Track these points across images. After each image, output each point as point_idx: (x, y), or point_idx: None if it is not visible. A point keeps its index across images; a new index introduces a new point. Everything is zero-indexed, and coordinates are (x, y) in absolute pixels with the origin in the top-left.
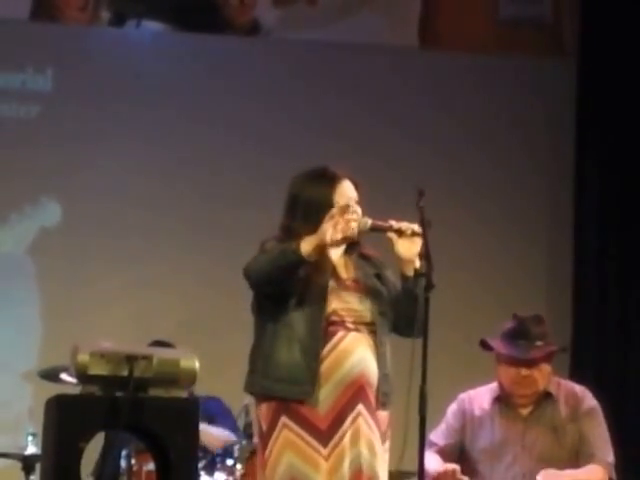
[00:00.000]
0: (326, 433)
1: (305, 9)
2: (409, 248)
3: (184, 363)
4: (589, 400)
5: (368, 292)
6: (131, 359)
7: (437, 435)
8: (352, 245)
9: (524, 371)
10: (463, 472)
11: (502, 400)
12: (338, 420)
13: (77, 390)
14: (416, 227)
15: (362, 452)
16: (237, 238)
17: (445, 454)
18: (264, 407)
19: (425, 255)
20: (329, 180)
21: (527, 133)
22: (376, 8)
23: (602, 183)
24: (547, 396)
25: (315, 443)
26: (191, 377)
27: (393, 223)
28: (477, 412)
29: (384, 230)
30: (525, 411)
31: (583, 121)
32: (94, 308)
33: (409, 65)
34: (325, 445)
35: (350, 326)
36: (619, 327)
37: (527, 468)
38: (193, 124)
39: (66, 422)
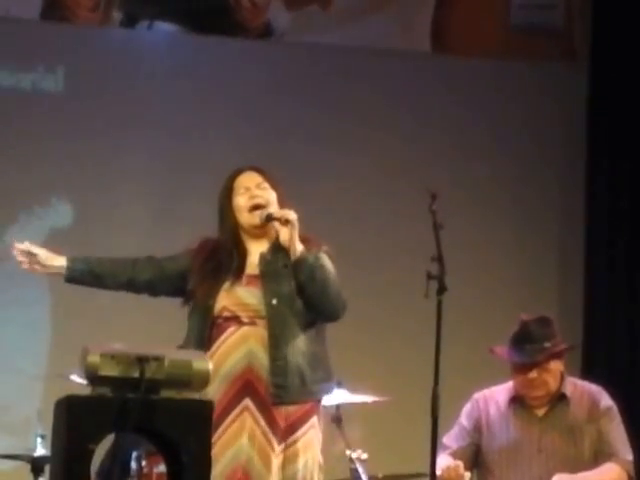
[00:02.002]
0: (212, 427)
1: (318, 13)
2: (284, 235)
3: (196, 365)
4: (606, 400)
5: (262, 286)
6: (142, 360)
7: (450, 438)
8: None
9: (532, 374)
10: (479, 474)
11: (518, 401)
12: (223, 414)
13: (87, 391)
14: (289, 214)
15: (244, 448)
16: None
17: (458, 457)
18: None
19: (438, 258)
20: (227, 184)
21: (539, 137)
22: (389, 13)
23: (613, 185)
24: (561, 397)
25: None
26: (204, 379)
27: (274, 212)
28: (492, 412)
29: (272, 219)
30: (540, 412)
31: (594, 124)
32: (105, 310)
33: (421, 69)
34: None
35: (245, 320)
36: (630, 326)
37: (543, 471)
38: (204, 125)
39: (76, 424)
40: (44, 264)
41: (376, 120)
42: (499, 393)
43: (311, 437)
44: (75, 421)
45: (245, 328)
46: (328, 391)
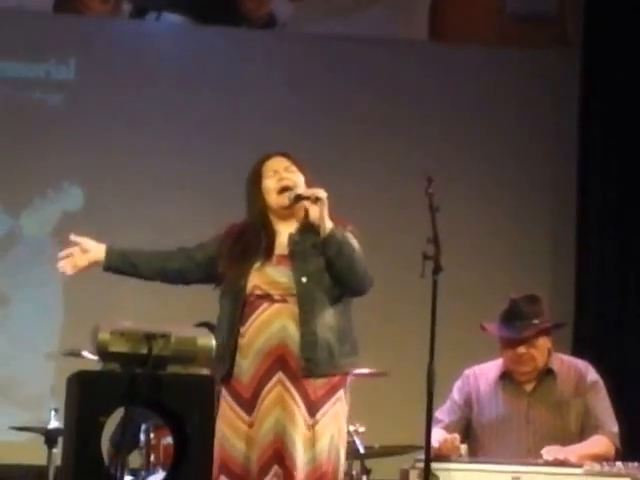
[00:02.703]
0: (250, 401)
1: (319, 3)
2: (315, 213)
3: (201, 341)
4: (592, 374)
5: (292, 265)
6: (150, 337)
7: (442, 412)
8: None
9: (520, 350)
10: (470, 447)
11: (507, 376)
12: (259, 388)
13: (98, 367)
14: (319, 192)
15: (279, 420)
16: None
17: (450, 430)
18: None
19: (434, 239)
20: (256, 168)
21: (533, 122)
22: (387, 2)
23: (604, 169)
24: (549, 372)
25: (241, 411)
26: (208, 355)
27: (302, 191)
28: (482, 387)
29: (300, 199)
30: (529, 387)
31: (586, 110)
32: (114, 290)
33: (419, 57)
34: (249, 413)
35: (277, 298)
36: (619, 306)
37: (531, 443)
38: (210, 113)
39: (87, 398)
40: (86, 250)
41: (375, 108)
42: (489, 369)
43: (337, 410)
44: (86, 395)
45: (277, 305)
46: (354, 365)
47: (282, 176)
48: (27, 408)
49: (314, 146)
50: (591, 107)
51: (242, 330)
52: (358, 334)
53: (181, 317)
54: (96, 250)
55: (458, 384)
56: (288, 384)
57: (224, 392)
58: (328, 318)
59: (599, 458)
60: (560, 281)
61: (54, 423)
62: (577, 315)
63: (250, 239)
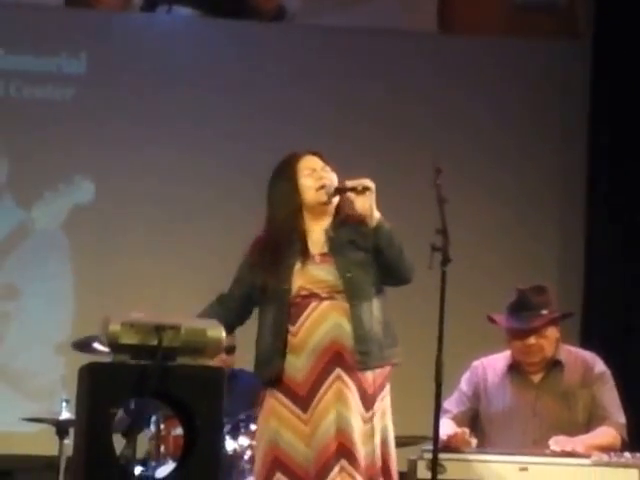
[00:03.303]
0: (306, 399)
1: None
2: (363, 203)
3: (211, 333)
4: (599, 365)
5: (335, 262)
6: (160, 329)
7: (451, 403)
8: (338, 213)
9: (529, 340)
10: (477, 438)
11: (515, 368)
12: (316, 385)
13: (108, 359)
14: (366, 182)
15: (342, 413)
16: None
17: (458, 421)
18: None
19: (442, 230)
20: (290, 167)
21: (542, 114)
22: None
23: (614, 161)
24: (556, 364)
25: (296, 409)
26: (217, 346)
27: (347, 183)
28: (490, 379)
29: (344, 191)
30: (536, 378)
31: (596, 101)
32: (125, 282)
33: (428, 48)
34: (305, 410)
35: (324, 296)
36: (628, 299)
37: (538, 434)
38: (220, 105)
39: (98, 389)
40: None
41: (384, 99)
42: (497, 361)
43: (385, 405)
44: (97, 386)
45: (326, 302)
46: (396, 355)
47: (321, 174)
48: (38, 399)
49: (322, 138)
50: (601, 98)
51: (293, 329)
52: None
53: (193, 308)
54: None
55: (466, 375)
56: (347, 379)
57: (273, 391)
58: (375, 311)
59: (606, 449)
60: (568, 274)
61: (65, 414)
62: (585, 308)
63: (280, 242)
